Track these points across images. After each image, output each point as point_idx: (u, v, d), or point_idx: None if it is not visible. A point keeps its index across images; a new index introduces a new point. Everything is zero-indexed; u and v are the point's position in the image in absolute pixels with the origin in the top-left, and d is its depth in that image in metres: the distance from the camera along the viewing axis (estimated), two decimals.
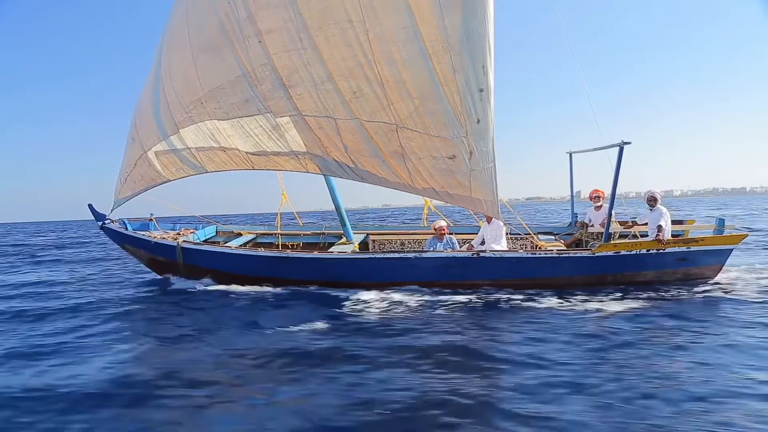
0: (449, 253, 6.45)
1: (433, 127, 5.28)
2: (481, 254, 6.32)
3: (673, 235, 6.79)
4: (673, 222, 7.18)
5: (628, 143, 5.96)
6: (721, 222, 6.84)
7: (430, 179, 5.84)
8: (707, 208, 31.28)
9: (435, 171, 5.73)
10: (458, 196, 5.98)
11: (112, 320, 5.34)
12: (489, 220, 6.88)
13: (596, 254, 6.33)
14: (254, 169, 6.80)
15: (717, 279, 6.60)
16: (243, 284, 6.74)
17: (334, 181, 7.42)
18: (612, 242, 6.49)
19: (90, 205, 7.83)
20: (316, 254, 6.64)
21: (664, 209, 6.59)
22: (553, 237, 7.92)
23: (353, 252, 7.04)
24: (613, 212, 7.02)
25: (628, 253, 6.36)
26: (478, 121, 5.17)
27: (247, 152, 6.59)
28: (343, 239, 7.65)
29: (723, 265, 6.68)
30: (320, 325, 4.76)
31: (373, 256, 6.63)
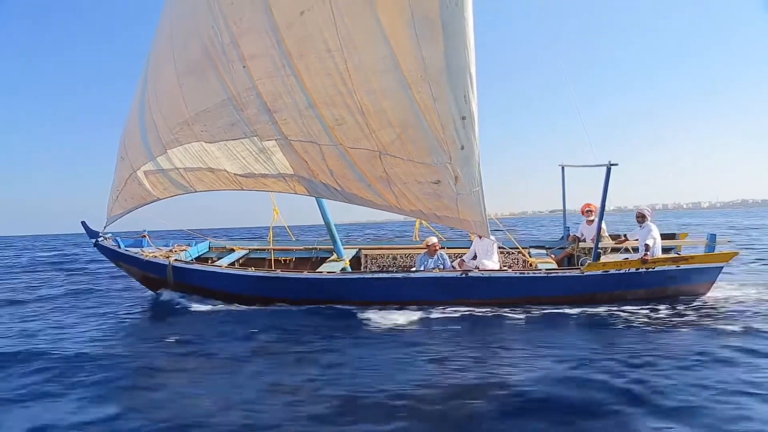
0: (437, 273, 6.45)
1: (416, 153, 5.25)
2: (470, 274, 6.31)
3: (664, 250, 6.75)
4: (665, 236, 7.13)
5: (615, 165, 5.93)
6: (712, 238, 6.79)
7: (417, 202, 5.82)
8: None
9: (421, 195, 5.71)
10: (446, 217, 5.97)
11: None
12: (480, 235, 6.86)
13: (585, 273, 6.30)
14: (243, 190, 6.80)
15: (708, 296, 6.57)
16: (232, 302, 6.78)
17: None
18: (601, 261, 6.45)
19: (83, 222, 7.86)
20: (304, 274, 6.67)
21: (653, 226, 6.54)
22: (544, 251, 7.89)
23: (342, 270, 7.06)
24: (604, 226, 6.98)
25: (617, 271, 6.32)
26: (462, 147, 5.12)
27: (235, 174, 6.58)
28: (334, 256, 7.66)
29: (714, 282, 6.64)
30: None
31: (361, 276, 6.65)
